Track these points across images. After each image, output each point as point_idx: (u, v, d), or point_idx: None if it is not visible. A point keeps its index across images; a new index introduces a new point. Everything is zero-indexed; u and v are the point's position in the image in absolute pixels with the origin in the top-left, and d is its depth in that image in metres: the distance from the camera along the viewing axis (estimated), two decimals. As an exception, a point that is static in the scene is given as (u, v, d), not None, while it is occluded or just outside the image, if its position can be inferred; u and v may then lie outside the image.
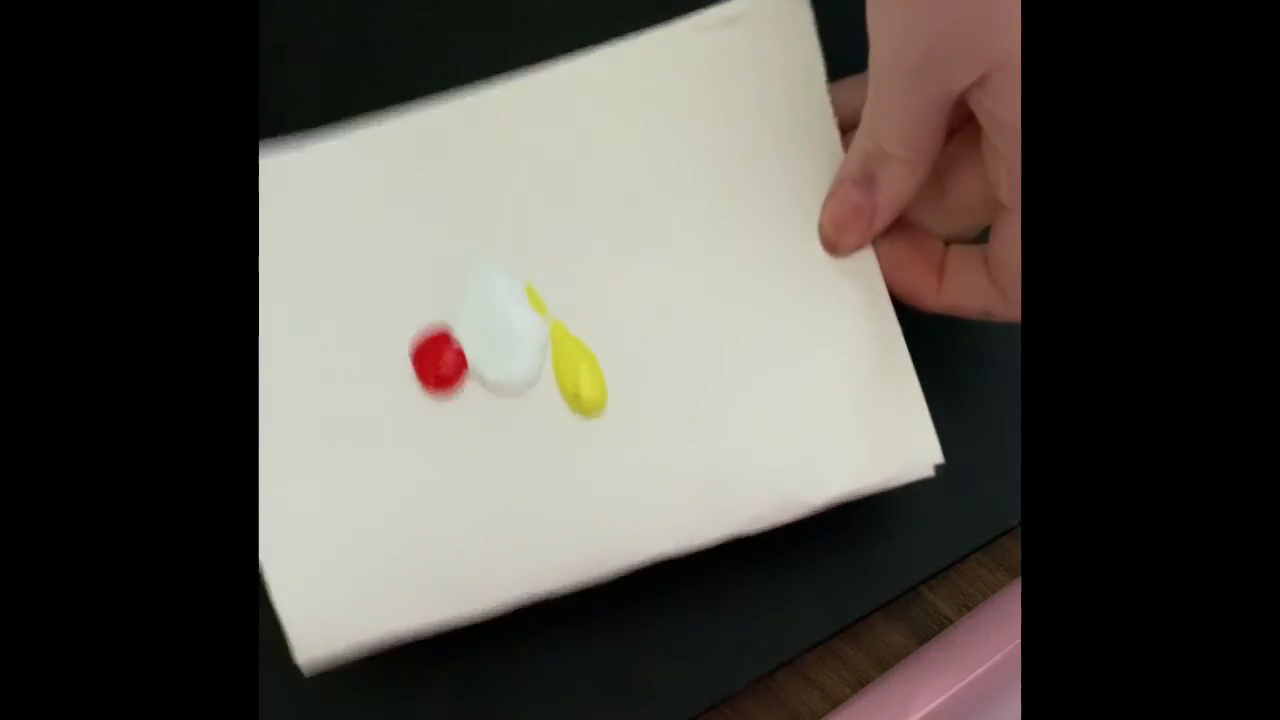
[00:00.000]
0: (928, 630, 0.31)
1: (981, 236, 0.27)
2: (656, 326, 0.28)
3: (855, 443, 0.27)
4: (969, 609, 0.32)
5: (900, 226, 0.27)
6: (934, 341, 0.28)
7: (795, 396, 0.28)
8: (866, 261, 0.28)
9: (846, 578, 0.31)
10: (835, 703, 0.31)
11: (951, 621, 0.31)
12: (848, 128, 0.27)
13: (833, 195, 0.27)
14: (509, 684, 0.30)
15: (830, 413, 0.28)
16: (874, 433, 0.27)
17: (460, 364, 0.28)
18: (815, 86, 0.28)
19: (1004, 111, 0.23)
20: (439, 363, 0.28)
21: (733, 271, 0.28)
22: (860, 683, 0.31)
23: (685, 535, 0.27)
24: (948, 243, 0.28)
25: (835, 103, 0.28)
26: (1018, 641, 0.29)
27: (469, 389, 0.28)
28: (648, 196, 0.28)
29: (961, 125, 0.26)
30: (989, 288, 0.27)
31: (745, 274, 0.28)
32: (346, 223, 0.28)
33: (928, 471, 0.27)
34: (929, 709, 0.28)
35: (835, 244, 0.28)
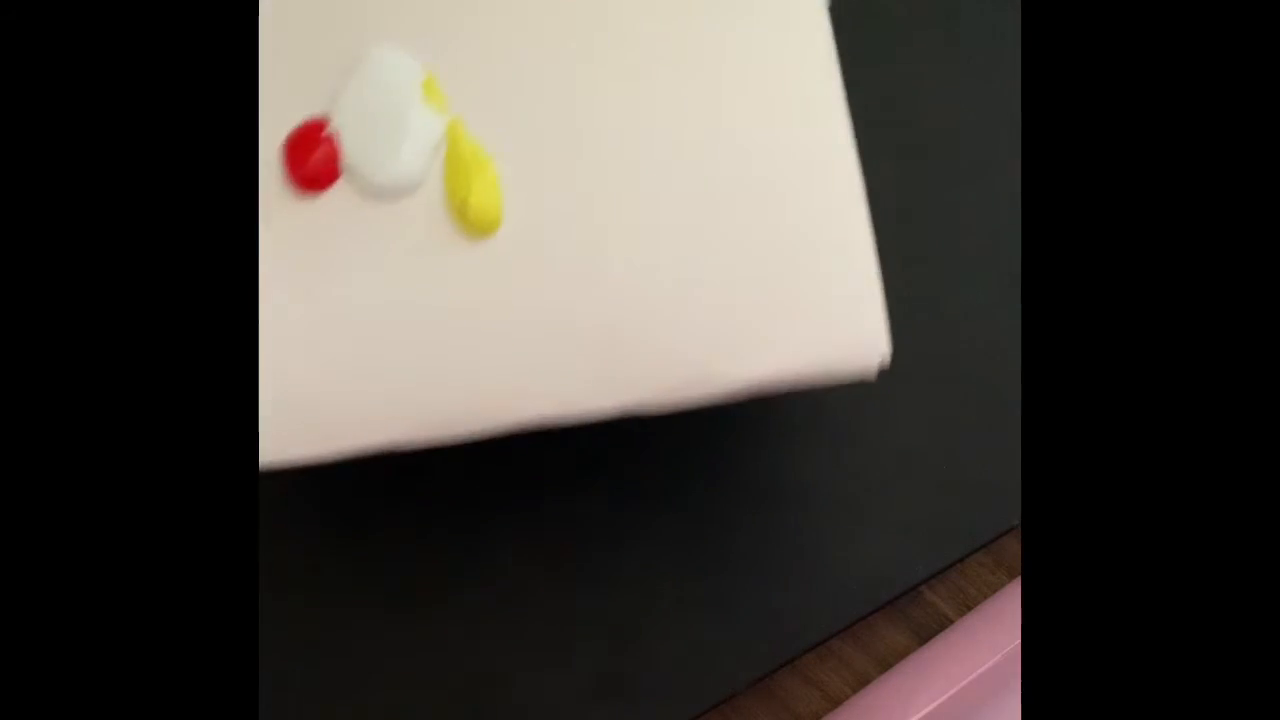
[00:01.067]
0: (928, 630, 0.31)
1: None
2: (569, 143, 0.24)
3: (789, 313, 0.23)
4: (969, 609, 0.32)
5: None
6: (934, 341, 0.28)
7: (723, 249, 0.24)
8: (829, 102, 0.24)
9: (846, 578, 0.31)
10: (835, 703, 0.31)
11: (952, 621, 0.31)
12: None
13: None
14: (508, 684, 0.30)
15: (764, 275, 0.24)
16: (813, 305, 0.23)
17: (331, 158, 0.24)
18: None
19: None
20: (308, 155, 0.24)
21: (666, 90, 0.24)
22: (860, 683, 0.31)
23: (572, 398, 0.23)
24: None
25: None
26: (1018, 641, 0.29)
27: (340, 190, 0.24)
28: None
29: None
30: None
31: (680, 90, 0.24)
32: None
33: (869, 368, 0.24)
34: (929, 709, 0.28)
35: None
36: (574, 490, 0.31)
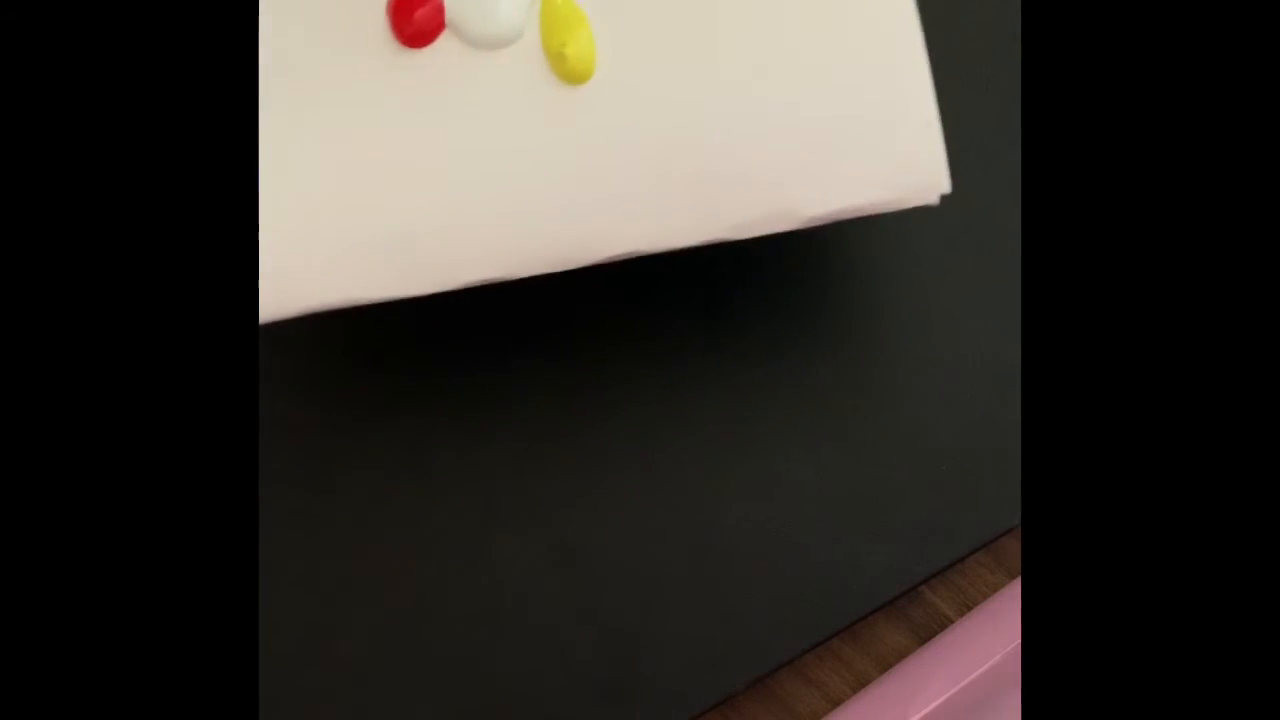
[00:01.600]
0: (928, 630, 0.31)
1: None
2: (652, 3, 0.26)
3: (860, 149, 0.26)
4: (969, 609, 0.31)
5: None
6: (933, 341, 0.28)
7: (795, 93, 0.26)
8: None
9: (846, 578, 0.31)
10: (835, 703, 0.31)
11: (952, 621, 0.31)
12: None
13: None
14: (507, 684, 0.30)
15: (834, 115, 0.26)
16: (880, 142, 0.26)
17: (437, 12, 0.26)
18: None
19: None
20: (414, 12, 0.26)
21: None
22: (860, 683, 0.31)
23: (666, 231, 0.26)
24: None
25: None
26: (1018, 642, 0.29)
27: (444, 42, 0.26)
28: None
29: None
30: None
31: None
32: None
33: (933, 198, 0.26)
34: (929, 709, 0.28)
35: None
36: (574, 490, 0.31)
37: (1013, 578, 0.32)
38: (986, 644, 0.30)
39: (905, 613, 0.31)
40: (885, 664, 0.31)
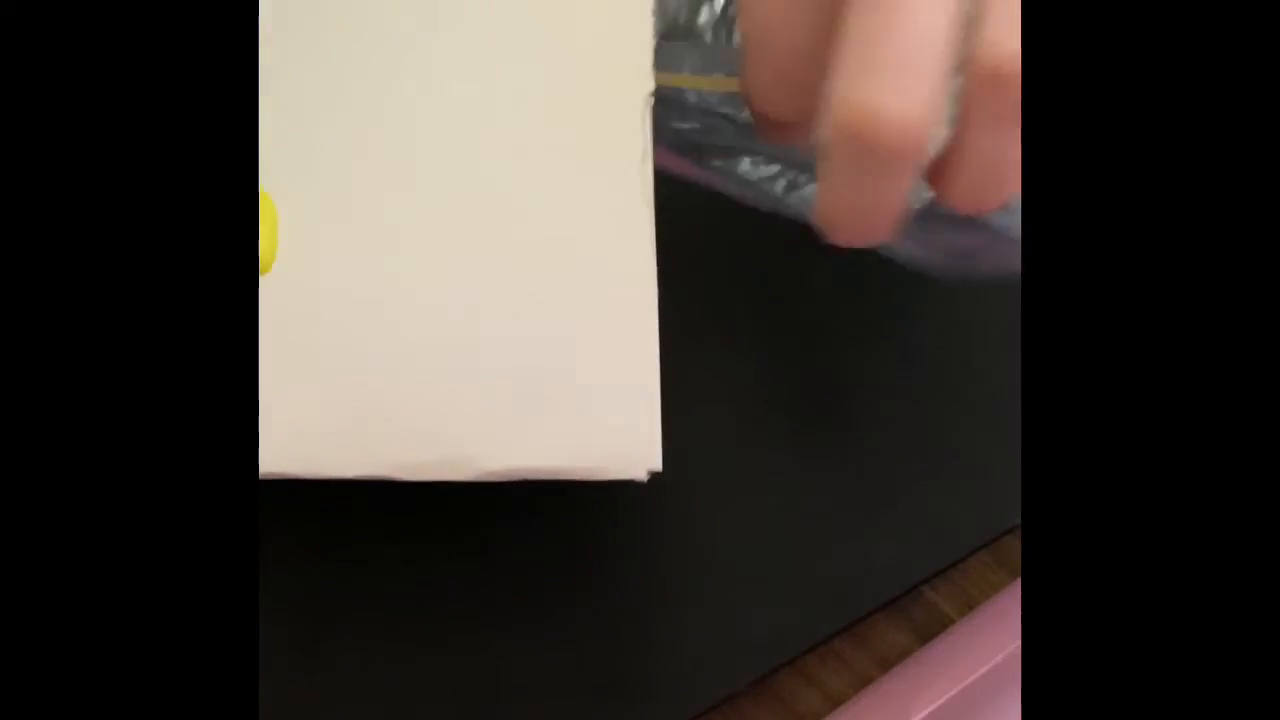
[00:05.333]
0: (929, 630, 0.31)
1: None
2: (347, 195, 0.23)
3: (561, 407, 0.23)
4: (971, 608, 0.31)
5: None
6: (933, 340, 0.28)
7: (500, 320, 0.23)
8: (637, 221, 0.23)
9: (846, 578, 0.31)
10: (835, 703, 0.31)
11: (953, 621, 0.31)
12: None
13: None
14: (506, 684, 0.30)
15: (537, 361, 0.23)
16: (587, 403, 0.23)
17: None
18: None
19: None
20: None
21: (467, 171, 0.23)
22: (861, 683, 0.31)
23: (317, 458, 0.22)
24: None
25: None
26: (1019, 641, 0.29)
27: None
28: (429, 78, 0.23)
29: None
30: None
31: (485, 174, 0.23)
32: None
33: (640, 473, 0.23)
34: (930, 709, 0.28)
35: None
36: (573, 493, 0.31)
37: (1014, 577, 0.32)
38: (988, 644, 0.30)
39: (906, 612, 0.31)
40: (886, 664, 0.31)
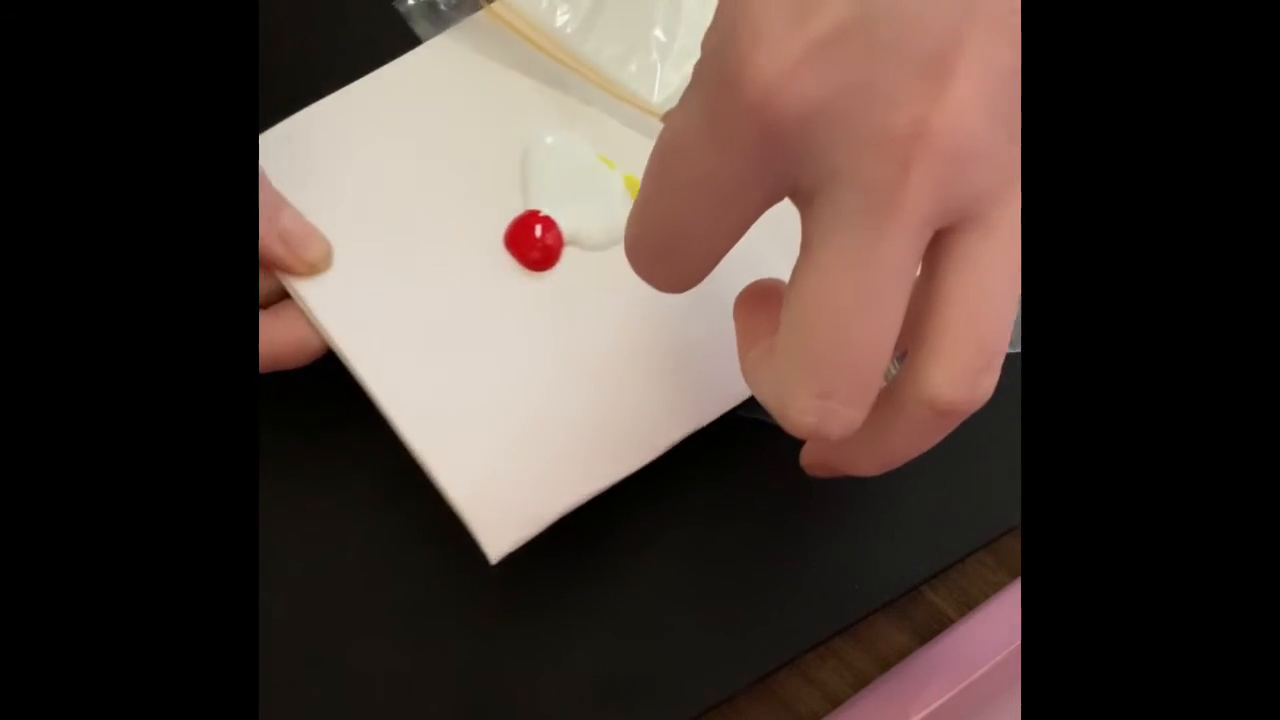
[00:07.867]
0: (929, 630, 0.31)
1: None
2: None
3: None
4: (970, 609, 0.31)
5: None
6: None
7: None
8: None
9: (846, 578, 0.31)
10: (835, 703, 0.31)
11: (953, 621, 0.31)
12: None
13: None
14: (507, 683, 0.30)
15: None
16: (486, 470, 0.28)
17: (557, 234, 0.29)
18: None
19: None
20: (534, 240, 0.29)
21: None
22: (861, 683, 0.31)
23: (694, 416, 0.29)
24: None
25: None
26: (1019, 641, 0.29)
27: (566, 255, 0.30)
28: None
29: None
30: None
31: None
32: (412, 140, 0.31)
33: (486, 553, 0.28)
34: (930, 709, 0.28)
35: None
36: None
37: (1014, 577, 0.32)
38: (987, 643, 0.30)
39: (906, 612, 0.31)
40: (886, 664, 0.31)
